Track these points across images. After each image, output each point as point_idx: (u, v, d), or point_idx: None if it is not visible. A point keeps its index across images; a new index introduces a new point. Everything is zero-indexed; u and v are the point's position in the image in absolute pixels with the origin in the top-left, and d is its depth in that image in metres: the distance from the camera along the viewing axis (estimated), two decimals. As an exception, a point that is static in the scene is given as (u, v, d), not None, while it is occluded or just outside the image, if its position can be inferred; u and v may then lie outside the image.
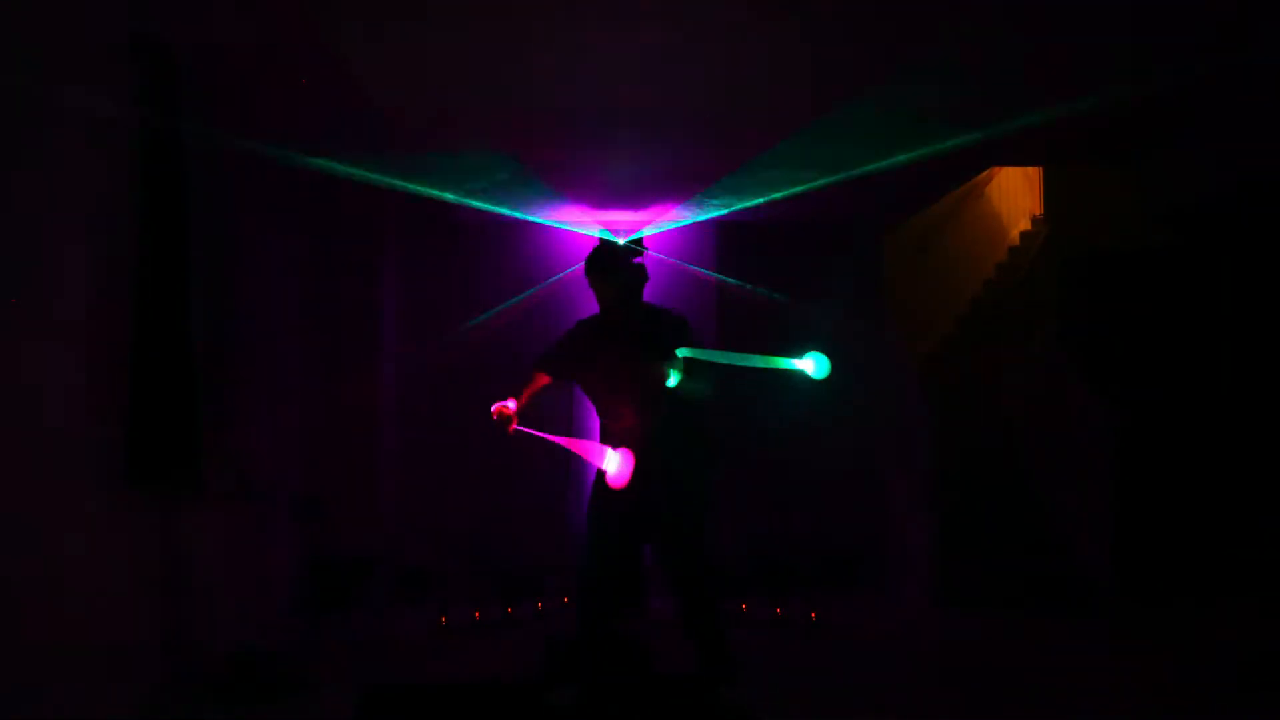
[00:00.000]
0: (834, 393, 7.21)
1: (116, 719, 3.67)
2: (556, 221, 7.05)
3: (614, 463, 3.82)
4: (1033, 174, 8.20)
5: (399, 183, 5.96)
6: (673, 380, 3.78)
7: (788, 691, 4.31)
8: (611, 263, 4.06)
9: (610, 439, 4.01)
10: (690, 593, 3.92)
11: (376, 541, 6.44)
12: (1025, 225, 8.35)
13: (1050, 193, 8.07)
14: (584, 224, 6.99)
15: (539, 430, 4.00)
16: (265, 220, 5.59)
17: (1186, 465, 6.50)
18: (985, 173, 7.99)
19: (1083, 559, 6.28)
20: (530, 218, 6.95)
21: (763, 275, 7.25)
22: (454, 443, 6.99)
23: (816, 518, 7.09)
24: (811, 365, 3.85)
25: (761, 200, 6.23)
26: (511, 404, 4.00)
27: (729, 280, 7.17)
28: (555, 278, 7.08)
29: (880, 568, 6.95)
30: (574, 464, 6.99)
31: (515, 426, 3.97)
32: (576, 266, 7.04)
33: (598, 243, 4.19)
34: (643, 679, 4.33)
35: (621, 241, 6.71)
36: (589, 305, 6.74)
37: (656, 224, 6.98)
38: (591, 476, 4.10)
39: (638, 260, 4.14)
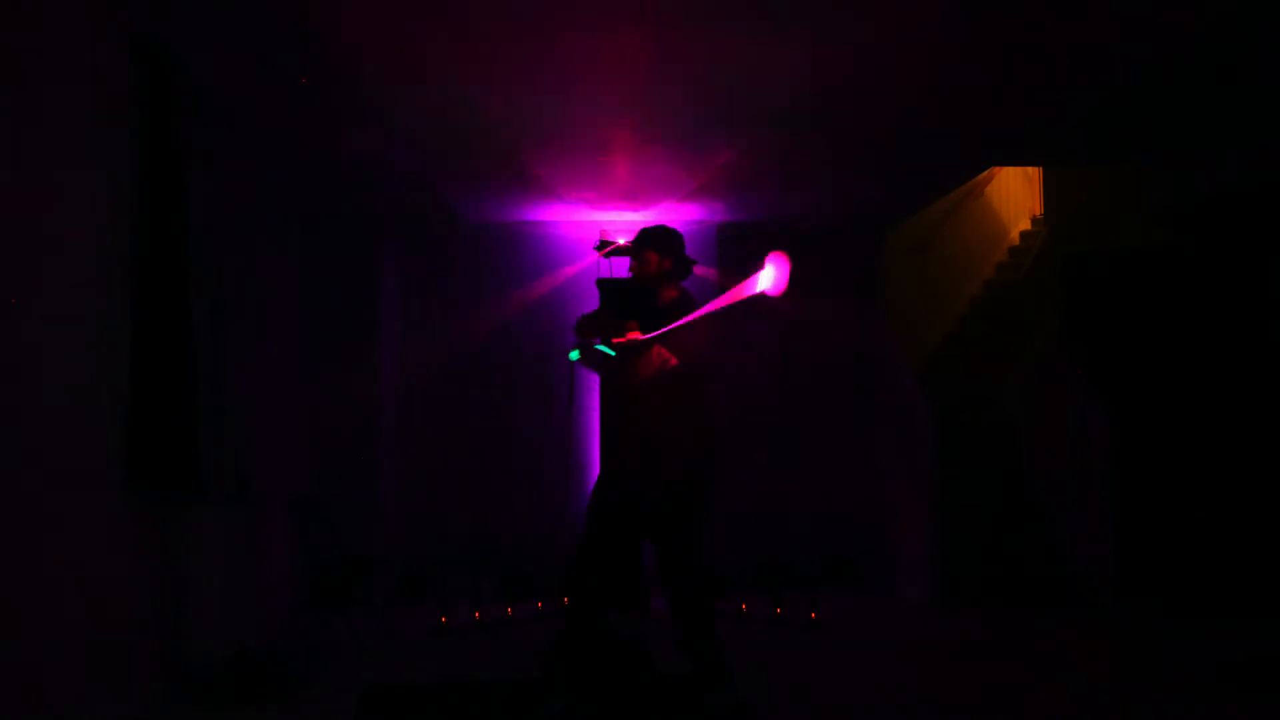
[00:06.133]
0: (834, 393, 7.28)
1: (117, 719, 3.67)
2: (555, 221, 7.06)
3: (768, 277, 3.85)
4: (1033, 174, 8.20)
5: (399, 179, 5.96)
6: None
7: (788, 691, 4.31)
8: (672, 242, 4.16)
9: (628, 419, 4.00)
10: (684, 590, 3.91)
11: (376, 541, 6.45)
12: (1025, 225, 8.36)
13: (1050, 193, 8.07)
14: (583, 223, 7.00)
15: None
16: (265, 220, 5.59)
17: (1186, 465, 6.50)
18: (985, 173, 7.99)
19: (1083, 559, 6.28)
20: (529, 218, 6.96)
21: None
22: (454, 443, 7.00)
23: (816, 518, 7.10)
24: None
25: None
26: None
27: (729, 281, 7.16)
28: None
29: (880, 568, 6.95)
30: (574, 463, 7.01)
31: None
32: (575, 267, 7.08)
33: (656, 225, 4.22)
34: (643, 679, 4.32)
35: (622, 241, 6.74)
36: (588, 305, 6.77)
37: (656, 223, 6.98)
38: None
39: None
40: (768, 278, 3.88)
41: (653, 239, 4.18)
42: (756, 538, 6.97)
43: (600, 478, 4.12)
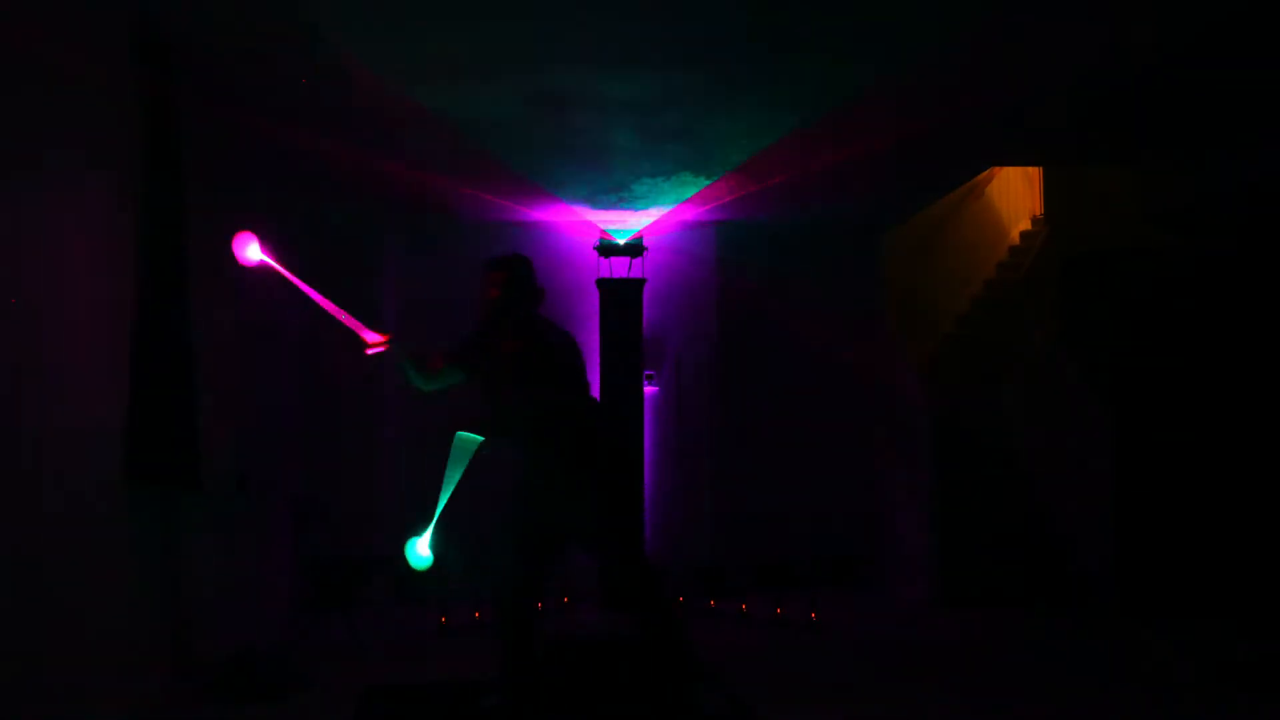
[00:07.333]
0: (834, 393, 7.28)
1: (117, 719, 3.67)
2: (555, 221, 7.05)
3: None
4: (1033, 174, 8.19)
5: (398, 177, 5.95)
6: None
7: (788, 691, 4.31)
8: (523, 272, 3.99)
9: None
10: (636, 599, 3.88)
11: (376, 541, 6.44)
12: (1025, 225, 8.34)
13: (1050, 193, 8.05)
14: (583, 223, 6.99)
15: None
16: (265, 220, 5.59)
17: (1186, 465, 6.49)
18: (985, 173, 7.98)
19: (1083, 559, 6.28)
20: (529, 217, 6.96)
21: (763, 275, 7.26)
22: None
23: (816, 518, 7.10)
24: (424, 550, 3.84)
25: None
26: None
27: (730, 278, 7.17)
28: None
29: (880, 567, 6.95)
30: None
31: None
32: (575, 267, 7.07)
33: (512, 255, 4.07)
34: (638, 679, 4.32)
35: (624, 242, 6.74)
36: (589, 305, 6.78)
37: (656, 224, 6.98)
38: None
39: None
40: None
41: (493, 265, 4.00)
42: (756, 538, 6.96)
43: (515, 495, 4.02)
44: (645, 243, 6.77)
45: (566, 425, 3.85)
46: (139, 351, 3.79)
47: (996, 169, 8.15)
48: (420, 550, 3.85)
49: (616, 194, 6.26)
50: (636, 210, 6.69)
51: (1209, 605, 5.88)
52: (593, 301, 6.73)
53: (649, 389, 7.02)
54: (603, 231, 6.79)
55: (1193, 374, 6.66)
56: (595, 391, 6.84)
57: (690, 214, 6.90)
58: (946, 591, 6.18)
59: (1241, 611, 5.73)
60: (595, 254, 6.77)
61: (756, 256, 7.27)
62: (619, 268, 6.73)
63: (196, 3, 3.79)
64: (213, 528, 4.63)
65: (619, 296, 6.71)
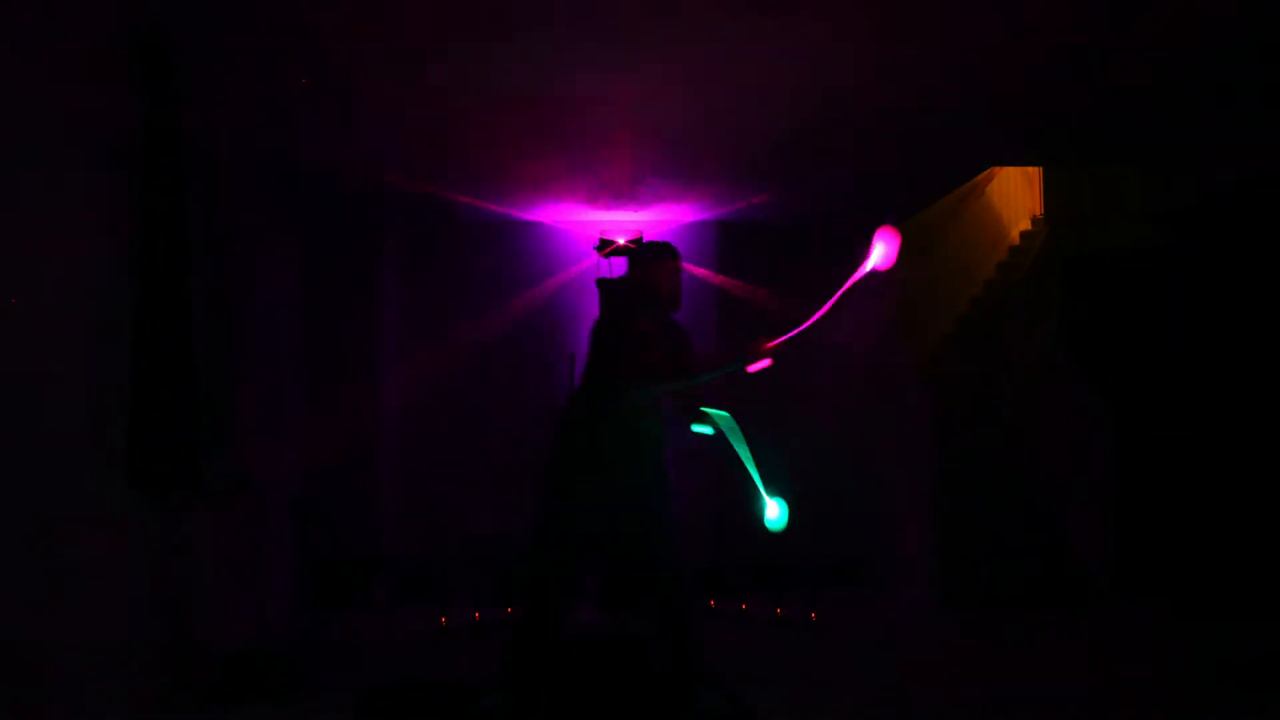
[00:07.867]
0: (834, 392, 7.28)
1: (117, 719, 3.67)
2: (555, 222, 7.06)
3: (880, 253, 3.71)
4: (1033, 174, 8.20)
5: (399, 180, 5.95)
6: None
7: (788, 691, 4.31)
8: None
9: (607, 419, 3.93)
10: (672, 590, 3.87)
11: (376, 541, 6.44)
12: (1025, 225, 8.35)
13: (1050, 193, 8.06)
14: (583, 223, 7.00)
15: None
16: (265, 220, 5.59)
17: (1186, 465, 6.49)
18: (985, 173, 7.98)
19: (1083, 559, 6.28)
20: (529, 218, 6.96)
21: (763, 275, 7.25)
22: (455, 443, 7.00)
23: (816, 518, 7.09)
24: (775, 511, 3.85)
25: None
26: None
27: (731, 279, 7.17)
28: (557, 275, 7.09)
29: (880, 568, 6.95)
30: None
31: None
32: (576, 267, 7.07)
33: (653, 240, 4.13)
34: (639, 679, 4.33)
35: (623, 240, 6.73)
36: (589, 305, 6.77)
37: (656, 222, 6.98)
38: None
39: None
40: (879, 254, 3.77)
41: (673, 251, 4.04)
42: (756, 538, 6.95)
43: (565, 475, 4.00)
44: (645, 242, 6.77)
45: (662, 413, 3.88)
46: (139, 352, 3.79)
47: (996, 169, 8.16)
48: (774, 514, 3.92)
49: (617, 194, 6.27)
50: (636, 210, 6.69)
51: (1209, 605, 5.89)
52: (593, 301, 6.73)
53: (649, 389, 7.01)
54: (603, 231, 6.79)
55: (1193, 374, 6.67)
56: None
57: (690, 214, 6.90)
58: (946, 591, 6.18)
59: (1242, 611, 5.73)
60: (595, 254, 6.77)
61: (756, 256, 7.26)
62: (619, 267, 6.73)
63: (196, 3, 3.79)
64: (213, 528, 4.63)
65: (619, 296, 6.70)
